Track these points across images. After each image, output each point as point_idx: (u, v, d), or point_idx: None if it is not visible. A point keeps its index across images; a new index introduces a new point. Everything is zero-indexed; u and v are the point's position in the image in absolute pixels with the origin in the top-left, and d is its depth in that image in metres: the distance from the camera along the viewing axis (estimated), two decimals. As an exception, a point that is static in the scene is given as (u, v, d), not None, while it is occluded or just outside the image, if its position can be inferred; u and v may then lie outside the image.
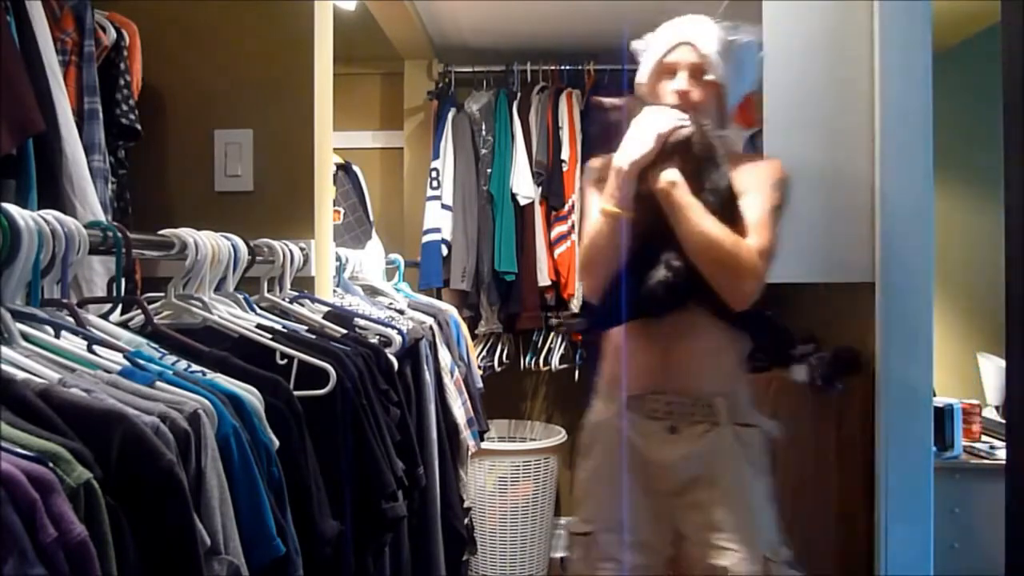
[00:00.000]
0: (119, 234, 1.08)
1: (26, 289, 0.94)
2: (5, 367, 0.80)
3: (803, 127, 2.16)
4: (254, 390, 1.00)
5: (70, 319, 0.98)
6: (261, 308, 1.47)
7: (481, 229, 3.45)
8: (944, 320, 2.66)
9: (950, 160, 2.67)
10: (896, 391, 2.09)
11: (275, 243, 1.56)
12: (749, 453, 1.55)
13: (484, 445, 2.54)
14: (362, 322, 1.63)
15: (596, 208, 1.58)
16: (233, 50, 1.82)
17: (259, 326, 1.30)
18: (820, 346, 2.37)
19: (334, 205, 2.84)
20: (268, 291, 1.55)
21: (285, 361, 1.21)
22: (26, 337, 0.90)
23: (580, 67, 3.51)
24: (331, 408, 1.20)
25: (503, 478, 3.22)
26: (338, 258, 2.00)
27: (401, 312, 2.03)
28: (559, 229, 3.41)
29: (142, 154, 1.73)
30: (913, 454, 2.08)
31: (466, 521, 2.10)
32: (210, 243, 1.31)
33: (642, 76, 1.67)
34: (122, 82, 1.62)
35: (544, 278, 3.40)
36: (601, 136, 1.61)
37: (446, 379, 2.05)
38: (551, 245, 3.43)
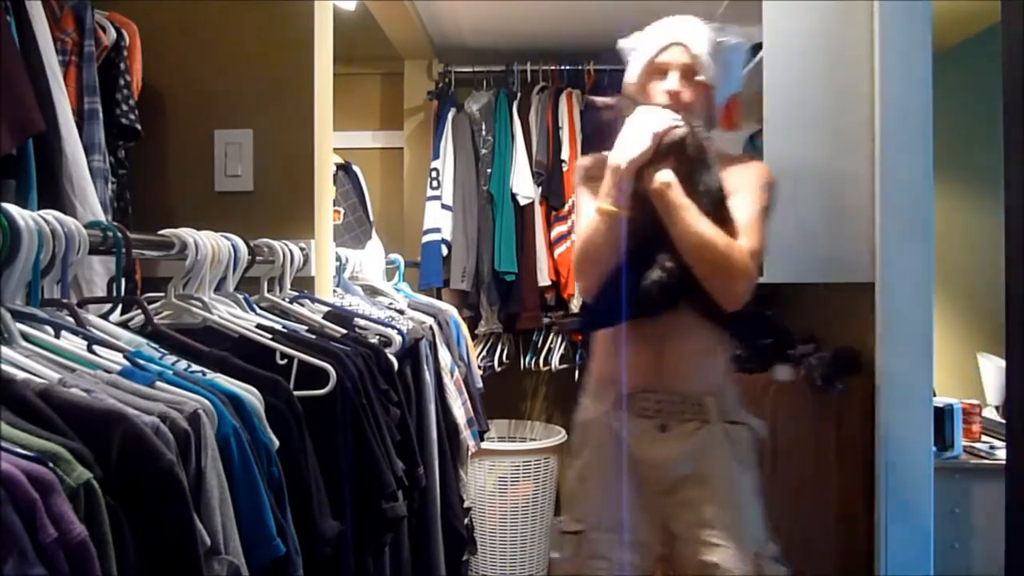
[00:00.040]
0: (119, 234, 1.08)
1: (26, 289, 0.94)
2: (5, 367, 0.80)
3: (803, 127, 2.16)
4: (254, 390, 1.00)
5: (70, 319, 0.98)
6: (261, 308, 1.47)
7: (481, 229, 3.45)
8: (944, 320, 2.66)
9: (950, 160, 2.67)
10: (896, 391, 2.09)
11: (275, 243, 1.56)
12: (738, 451, 1.57)
13: (484, 445, 2.54)
14: (362, 322, 1.63)
15: (589, 207, 1.58)
16: (233, 50, 1.82)
17: (259, 326, 1.30)
18: (820, 346, 2.37)
19: (334, 205, 2.84)
20: (268, 291, 1.55)
21: (285, 361, 1.21)
22: (26, 337, 0.90)
23: (580, 67, 3.51)
24: (331, 408, 1.20)
25: (503, 478, 3.22)
26: (338, 258, 2.00)
27: (401, 312, 2.03)
28: (559, 229, 3.41)
29: (142, 154, 1.73)
30: (913, 454, 2.08)
31: (466, 521, 2.10)
32: (210, 243, 1.31)
33: (632, 75, 1.67)
34: (122, 82, 1.62)
35: (544, 278, 3.40)
36: (594, 134, 1.61)
37: (446, 379, 2.05)
38: (551, 245, 3.43)
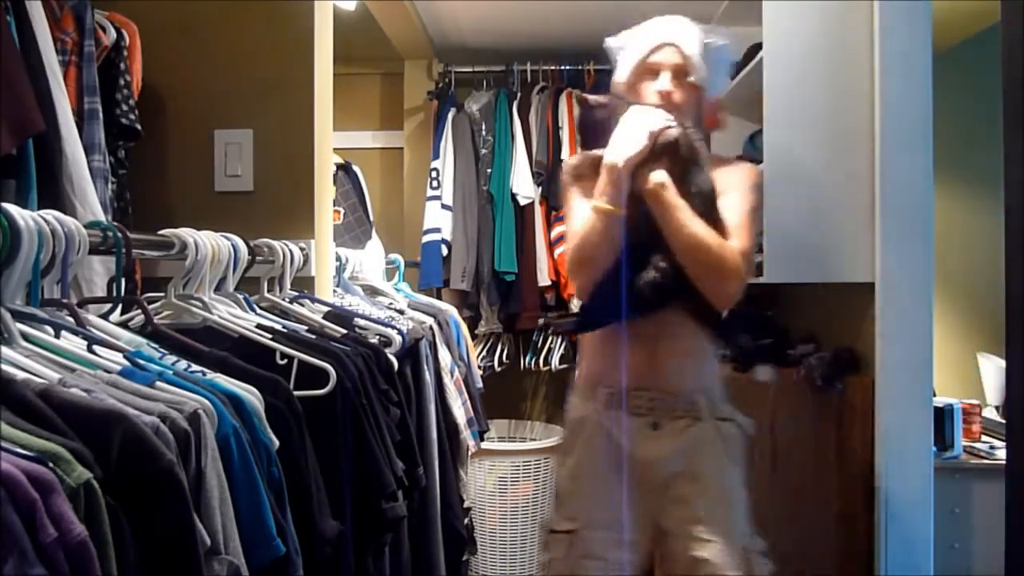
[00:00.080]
0: (119, 234, 1.08)
1: (26, 289, 0.94)
2: (5, 367, 0.80)
3: (803, 127, 2.16)
4: (254, 390, 1.00)
5: (70, 319, 0.98)
6: (261, 308, 1.47)
7: (481, 229, 3.45)
8: (944, 320, 2.66)
9: (950, 160, 2.67)
10: (896, 391, 2.09)
11: (275, 243, 1.56)
12: (728, 447, 1.59)
13: (484, 445, 2.54)
14: (362, 322, 1.63)
15: (582, 206, 1.58)
16: (233, 50, 1.82)
17: (259, 326, 1.30)
18: (820, 346, 2.37)
19: (334, 205, 2.84)
20: (268, 291, 1.55)
21: (285, 361, 1.22)
22: (26, 337, 0.90)
23: (580, 67, 3.51)
24: (331, 408, 1.20)
25: (503, 478, 3.22)
26: (338, 258, 2.00)
27: (401, 312, 2.03)
28: (559, 229, 3.41)
29: (142, 154, 1.73)
30: (913, 454, 2.08)
31: (466, 521, 2.10)
32: (210, 243, 1.31)
33: (622, 75, 1.68)
34: (122, 82, 1.62)
35: (544, 278, 3.40)
36: (586, 133, 1.61)
37: (446, 379, 2.05)
38: (551, 245, 3.43)
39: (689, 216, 1.48)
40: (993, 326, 2.44)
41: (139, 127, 1.64)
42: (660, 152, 1.50)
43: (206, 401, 0.87)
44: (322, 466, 1.13)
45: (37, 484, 0.62)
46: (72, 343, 0.95)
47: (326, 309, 1.65)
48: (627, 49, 1.67)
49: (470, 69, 3.61)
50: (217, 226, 1.39)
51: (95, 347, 0.95)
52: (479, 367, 2.79)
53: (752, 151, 2.49)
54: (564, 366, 3.50)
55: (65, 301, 0.99)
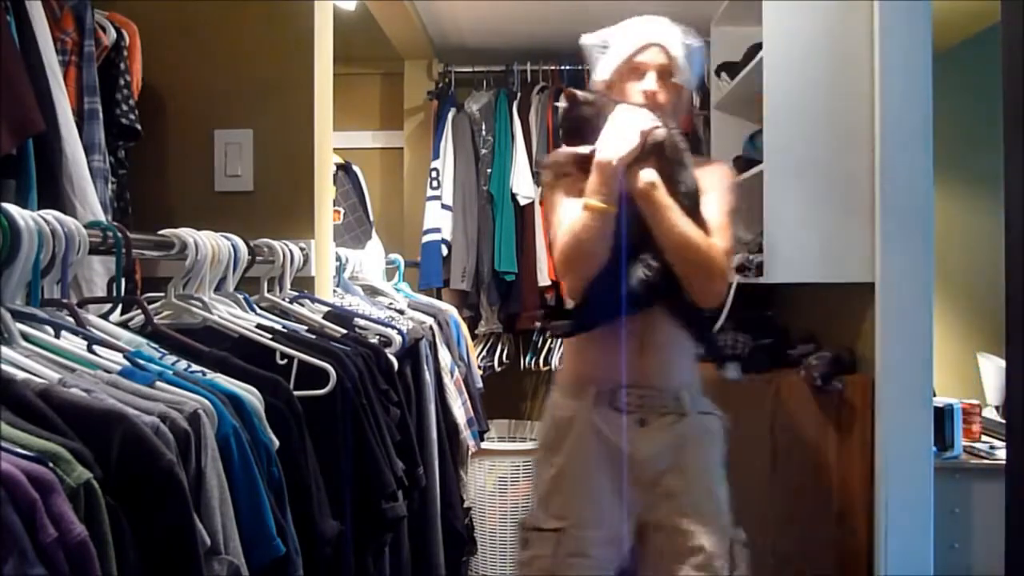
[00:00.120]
0: (119, 234, 1.08)
1: (26, 289, 0.94)
2: (5, 367, 0.80)
3: (803, 127, 2.16)
4: (254, 390, 1.00)
5: (70, 319, 0.98)
6: (261, 308, 1.47)
7: (481, 229, 3.45)
8: (944, 320, 2.67)
9: (950, 160, 2.67)
10: (896, 391, 2.09)
11: (275, 243, 1.56)
12: (712, 440, 1.63)
13: (484, 445, 2.54)
14: (362, 322, 1.63)
15: (571, 204, 1.57)
16: (233, 50, 1.82)
17: (259, 326, 1.30)
18: (820, 346, 2.37)
19: (334, 205, 2.84)
20: (268, 291, 1.55)
21: (285, 361, 1.21)
22: (26, 337, 0.90)
23: (580, 67, 3.50)
24: (331, 408, 1.20)
25: (503, 478, 3.22)
26: (338, 258, 2.00)
27: (401, 312, 2.03)
28: (559, 229, 3.41)
29: (142, 154, 1.73)
30: (913, 454, 2.08)
31: (466, 521, 2.10)
32: (210, 243, 1.31)
33: (604, 73, 1.69)
34: (122, 82, 1.62)
35: (544, 278, 3.40)
36: (570, 129, 1.60)
37: (446, 379, 2.05)
38: (551, 245, 3.42)
39: (679, 215, 1.50)
40: (993, 326, 2.44)
41: (139, 127, 1.64)
42: (648, 152, 1.51)
43: (206, 401, 0.87)
44: (322, 466, 1.13)
45: (37, 484, 0.62)
46: (72, 343, 0.95)
47: (326, 309, 1.65)
48: (611, 48, 1.67)
49: (470, 69, 3.61)
50: (217, 226, 1.39)
51: (95, 347, 0.95)
52: (479, 367, 2.79)
53: (752, 151, 2.49)
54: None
55: (65, 301, 0.99)
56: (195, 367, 1.01)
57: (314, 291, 1.79)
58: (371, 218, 3.30)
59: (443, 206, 3.43)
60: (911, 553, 2.06)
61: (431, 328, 2.04)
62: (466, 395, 2.16)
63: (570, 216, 1.56)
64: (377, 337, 1.62)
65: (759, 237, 2.28)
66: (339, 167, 3.17)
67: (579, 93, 1.60)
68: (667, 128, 1.53)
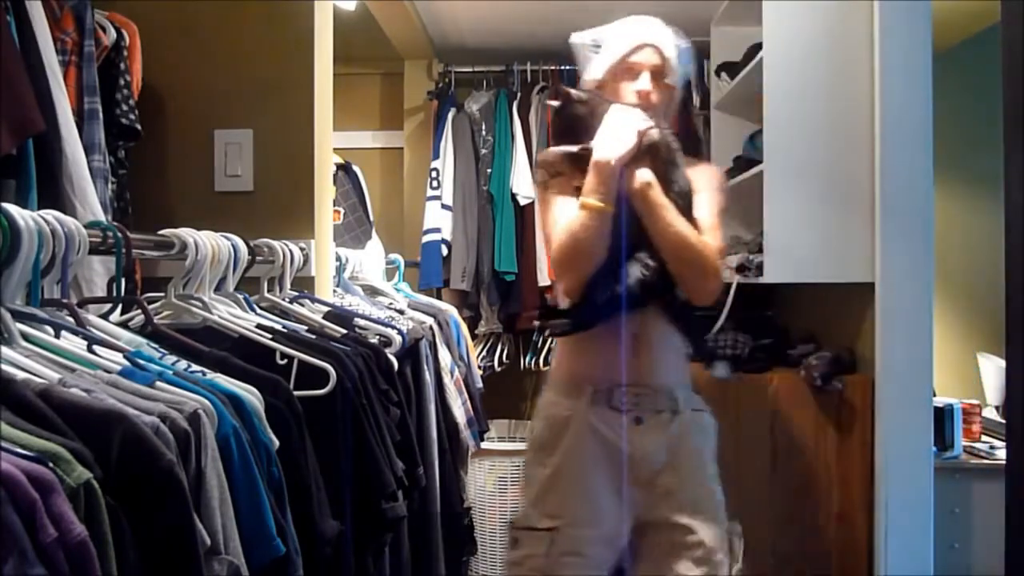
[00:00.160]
0: (119, 234, 1.08)
1: (26, 289, 0.94)
2: (5, 367, 0.80)
3: (803, 127, 2.16)
4: (254, 390, 1.00)
5: (70, 319, 0.98)
6: (261, 308, 1.47)
7: (481, 229, 3.45)
8: (944, 320, 2.67)
9: (950, 160, 2.67)
10: (896, 391, 2.09)
11: (275, 243, 1.56)
12: (706, 436, 1.65)
13: (484, 445, 2.54)
14: (362, 322, 1.63)
15: (566, 204, 1.58)
16: (233, 50, 1.82)
17: (259, 326, 1.30)
18: (820, 346, 2.37)
19: (334, 205, 2.84)
20: (268, 291, 1.55)
21: (285, 361, 1.21)
22: (26, 337, 0.90)
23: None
24: (331, 408, 1.20)
25: (503, 478, 3.22)
26: (338, 258, 2.00)
27: (401, 312, 2.03)
28: (559, 229, 3.41)
29: (142, 154, 1.73)
30: (913, 454, 2.08)
31: (466, 521, 2.10)
32: (210, 243, 1.31)
33: (597, 72, 1.68)
34: (122, 82, 1.62)
35: (544, 278, 3.39)
36: (563, 128, 1.60)
37: (446, 379, 2.05)
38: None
39: (674, 215, 1.51)
40: (993, 326, 2.45)
41: (139, 127, 1.64)
42: (644, 152, 1.52)
43: (206, 401, 0.87)
44: (322, 466, 1.13)
45: (37, 484, 0.62)
46: (72, 343, 0.95)
47: (326, 309, 1.65)
48: (604, 47, 1.67)
49: (470, 69, 3.61)
50: (217, 226, 1.39)
51: (95, 347, 0.95)
52: (479, 367, 2.79)
53: (752, 151, 2.49)
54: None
55: (65, 301, 0.99)
56: (195, 367, 1.01)
57: (314, 291, 1.79)
58: (371, 218, 3.30)
59: (443, 206, 3.43)
60: (911, 553, 2.06)
61: (431, 328, 2.04)
62: (466, 395, 2.16)
63: (567, 215, 1.57)
64: (377, 337, 1.62)
65: (759, 237, 2.28)
66: (339, 167, 3.17)
67: (573, 91, 1.60)
68: (660, 128, 1.55)
